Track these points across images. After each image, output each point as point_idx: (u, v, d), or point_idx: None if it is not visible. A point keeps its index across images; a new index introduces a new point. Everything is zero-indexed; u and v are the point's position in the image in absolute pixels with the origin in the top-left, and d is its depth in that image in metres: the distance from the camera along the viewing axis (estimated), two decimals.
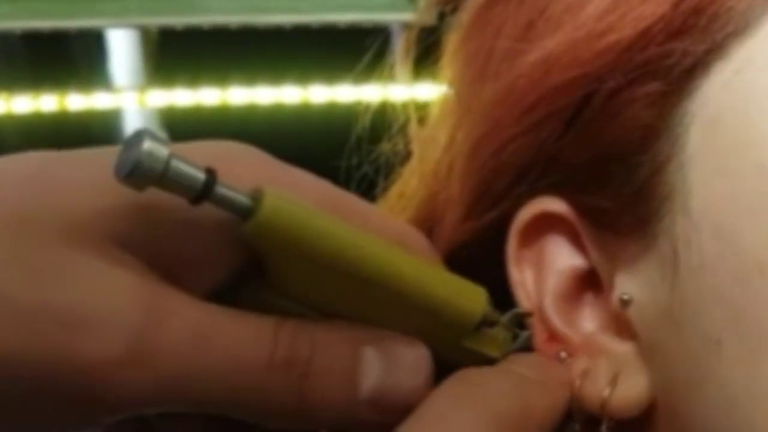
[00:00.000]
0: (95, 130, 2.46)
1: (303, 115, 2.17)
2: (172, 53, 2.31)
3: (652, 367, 0.39)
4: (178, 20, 2.01)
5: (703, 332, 0.37)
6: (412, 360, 0.37)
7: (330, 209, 0.36)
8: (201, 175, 0.33)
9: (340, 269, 0.35)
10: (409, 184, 0.48)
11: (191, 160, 0.33)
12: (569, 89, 0.40)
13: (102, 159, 0.35)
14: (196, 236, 0.35)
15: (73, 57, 2.53)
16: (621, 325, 0.40)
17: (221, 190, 0.34)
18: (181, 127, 2.15)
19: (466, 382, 0.37)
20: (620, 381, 0.39)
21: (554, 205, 0.41)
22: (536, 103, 0.40)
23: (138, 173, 0.33)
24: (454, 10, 0.48)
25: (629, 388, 0.39)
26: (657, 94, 0.39)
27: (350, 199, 0.38)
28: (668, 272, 0.38)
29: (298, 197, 0.35)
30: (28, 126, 2.34)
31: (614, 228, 0.40)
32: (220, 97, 2.20)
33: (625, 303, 0.39)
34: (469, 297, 0.38)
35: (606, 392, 0.39)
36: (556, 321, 0.40)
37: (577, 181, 0.40)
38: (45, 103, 2.30)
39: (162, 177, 0.33)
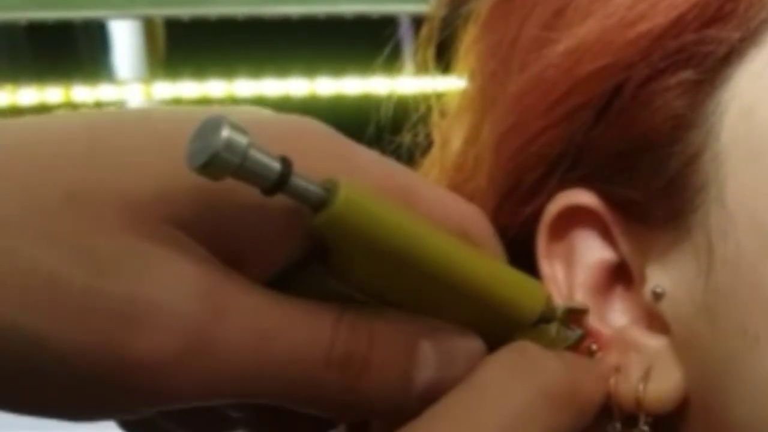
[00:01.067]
0: None
1: (310, 106, 2.16)
2: (178, 45, 2.31)
3: (686, 362, 0.39)
4: (185, 11, 2.00)
5: (740, 326, 0.37)
6: (466, 353, 0.36)
7: (397, 195, 0.35)
8: (277, 166, 0.32)
9: (404, 262, 0.34)
10: (429, 176, 0.48)
11: (267, 149, 0.32)
12: (601, 78, 0.39)
13: (167, 133, 0.33)
14: (262, 221, 0.34)
15: (78, 49, 2.52)
16: (653, 318, 0.40)
17: (295, 180, 0.32)
18: None
19: (520, 353, 0.36)
20: (653, 376, 0.39)
21: (583, 197, 0.40)
22: (567, 94, 0.40)
23: (215, 164, 0.31)
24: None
25: (663, 383, 0.38)
26: (690, 83, 0.38)
27: (417, 184, 0.36)
28: (703, 264, 0.38)
29: (368, 188, 0.34)
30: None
31: (645, 220, 0.39)
32: (226, 89, 2.19)
33: (657, 296, 0.39)
34: (528, 294, 0.38)
35: (641, 387, 0.38)
36: (591, 315, 0.40)
37: (607, 172, 0.40)
38: (49, 95, 2.29)
39: (239, 168, 0.31)
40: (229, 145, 0.31)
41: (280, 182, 0.32)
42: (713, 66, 0.38)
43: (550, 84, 0.40)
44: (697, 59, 0.38)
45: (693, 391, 0.38)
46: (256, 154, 0.32)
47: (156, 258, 0.32)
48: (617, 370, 0.39)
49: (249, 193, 0.33)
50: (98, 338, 0.31)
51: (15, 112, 2.36)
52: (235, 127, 0.31)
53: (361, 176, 0.34)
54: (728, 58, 0.38)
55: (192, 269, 0.32)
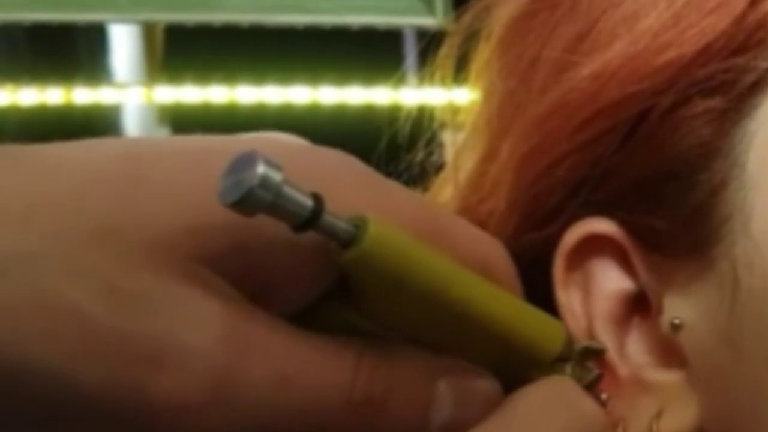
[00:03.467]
0: (97, 125, 2.45)
1: (312, 115, 2.16)
2: (180, 49, 2.31)
3: (706, 394, 0.38)
4: (190, 17, 2.00)
5: (766, 357, 0.36)
6: (483, 394, 0.36)
7: (425, 230, 0.35)
8: (309, 203, 0.32)
9: (429, 301, 0.34)
10: (441, 193, 0.47)
11: (299, 186, 0.32)
12: (626, 104, 0.39)
13: (199, 166, 0.33)
14: (289, 257, 0.33)
15: (78, 50, 2.52)
16: (669, 350, 0.39)
17: (326, 218, 0.32)
18: (188, 124, 2.14)
19: (560, 390, 0.36)
20: (667, 414, 0.38)
21: (602, 225, 0.40)
22: (592, 118, 0.39)
23: (249, 201, 0.31)
24: (477, 16, 0.47)
25: (677, 421, 0.38)
26: (717, 111, 0.38)
27: (443, 220, 0.36)
28: (727, 295, 0.37)
29: (396, 225, 0.34)
30: (32, 119, 2.33)
31: (667, 249, 0.39)
32: (228, 96, 2.19)
33: (675, 327, 0.38)
34: (548, 333, 0.37)
35: (654, 428, 0.38)
36: (609, 347, 0.39)
37: (630, 199, 0.39)
38: (49, 96, 2.29)
39: (272, 205, 0.31)
40: (264, 181, 0.31)
41: (311, 219, 0.32)
42: (740, 95, 0.38)
43: (575, 108, 0.40)
44: (725, 87, 0.38)
45: (713, 422, 0.38)
46: (289, 191, 0.31)
47: (181, 298, 0.32)
48: (628, 414, 0.39)
49: (277, 228, 0.32)
50: (121, 379, 0.31)
51: (15, 112, 2.36)
52: (270, 163, 0.31)
53: (390, 211, 0.34)
54: (756, 86, 0.38)
55: (217, 310, 0.32)
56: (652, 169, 0.39)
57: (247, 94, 2.18)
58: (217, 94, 2.21)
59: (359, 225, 0.33)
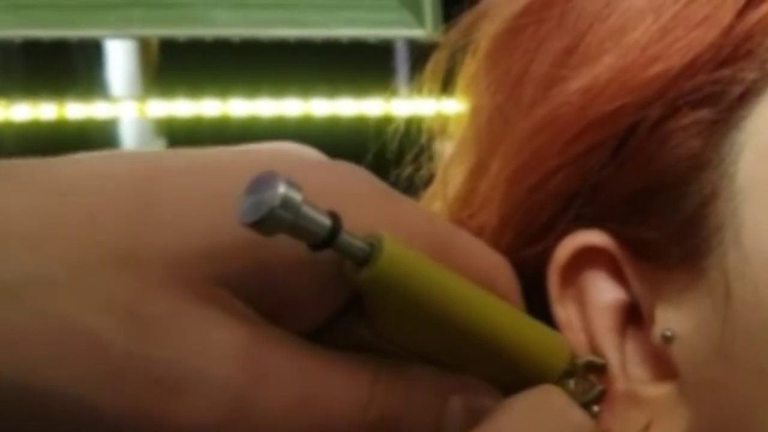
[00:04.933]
0: (91, 139, 2.45)
1: (304, 128, 2.16)
2: (173, 64, 2.30)
3: (696, 407, 0.38)
4: (181, 32, 1.99)
5: (759, 368, 0.36)
6: (491, 411, 0.35)
7: (435, 245, 0.35)
8: (327, 223, 0.32)
9: (442, 319, 0.34)
10: (430, 207, 0.47)
11: (317, 205, 0.32)
12: (616, 118, 0.39)
13: (216, 185, 0.33)
14: (305, 275, 0.33)
15: (72, 66, 2.52)
16: (661, 361, 0.39)
17: (343, 237, 0.32)
18: (181, 138, 2.13)
19: (546, 399, 0.36)
20: (653, 429, 0.38)
21: (593, 237, 0.40)
22: (582, 133, 0.39)
23: (270, 221, 0.31)
24: (466, 30, 0.47)
25: None
26: (705, 123, 0.38)
27: (454, 236, 0.36)
28: (720, 305, 0.37)
29: (410, 243, 0.34)
30: (26, 134, 2.33)
31: (658, 260, 0.39)
32: (220, 109, 2.19)
33: (667, 339, 0.38)
34: (553, 349, 0.38)
35: None
36: (611, 360, 0.39)
37: (621, 211, 0.39)
38: (42, 111, 2.29)
39: (292, 225, 0.31)
40: (286, 202, 0.31)
41: (329, 239, 0.32)
42: (729, 106, 0.38)
43: (564, 122, 0.40)
44: (713, 99, 0.38)
45: None
46: (308, 211, 0.31)
47: (199, 322, 0.32)
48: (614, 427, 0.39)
49: (292, 246, 0.32)
50: (140, 404, 0.31)
51: (7, 127, 2.35)
52: (290, 183, 0.31)
53: (402, 226, 0.34)
54: (744, 98, 0.38)
55: (235, 333, 0.32)
56: (642, 181, 0.39)
57: (239, 107, 2.18)
58: (209, 107, 2.20)
59: (374, 244, 0.33)
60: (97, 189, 0.33)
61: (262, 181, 0.31)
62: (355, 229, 0.33)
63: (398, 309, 0.34)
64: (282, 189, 0.31)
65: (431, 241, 0.35)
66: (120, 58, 2.47)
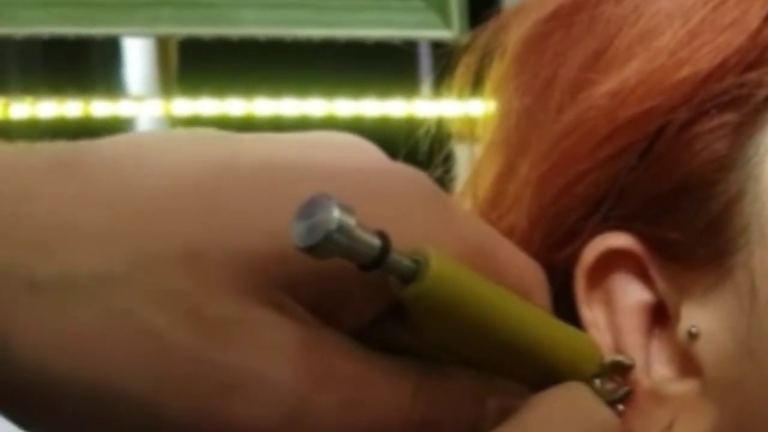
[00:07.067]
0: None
1: (328, 127, 2.16)
2: (196, 62, 2.31)
3: (720, 405, 0.39)
4: (209, 31, 2.00)
5: None
6: None
7: (479, 255, 0.35)
8: (377, 243, 0.32)
9: (482, 330, 0.35)
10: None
11: (368, 227, 0.32)
12: (644, 121, 0.39)
13: (280, 188, 0.33)
14: (357, 282, 0.34)
15: (94, 64, 2.53)
16: (686, 360, 0.40)
17: (392, 257, 0.33)
18: None
19: (573, 397, 0.37)
20: (677, 427, 0.39)
21: (619, 240, 0.40)
22: (610, 136, 0.40)
23: (326, 246, 0.31)
24: (494, 34, 0.48)
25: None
26: (731, 125, 0.39)
27: (497, 247, 0.37)
28: (746, 304, 0.38)
29: (456, 257, 0.34)
30: (50, 131, 2.34)
31: (684, 260, 0.40)
32: (245, 108, 2.19)
33: (692, 336, 0.39)
34: (584, 353, 0.39)
35: None
36: (637, 361, 0.40)
37: (648, 213, 0.40)
38: (67, 109, 2.30)
39: (345, 249, 0.32)
40: (340, 227, 0.31)
41: (379, 259, 0.33)
42: (754, 108, 0.39)
43: (593, 126, 0.40)
44: (739, 102, 0.39)
45: (729, 431, 0.39)
46: (360, 234, 0.32)
47: (263, 326, 0.32)
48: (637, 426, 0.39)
49: None
50: (201, 406, 0.32)
51: (33, 125, 2.37)
52: (344, 207, 0.32)
53: (452, 236, 0.35)
54: None
55: (296, 336, 0.33)
56: (669, 183, 0.39)
57: (264, 106, 2.18)
58: (234, 106, 2.21)
59: (420, 261, 0.33)
60: (163, 181, 0.33)
61: (315, 205, 0.32)
62: (406, 234, 0.33)
63: (440, 320, 0.35)
64: (337, 213, 0.31)
65: (477, 253, 0.35)
66: (141, 57, 2.48)
